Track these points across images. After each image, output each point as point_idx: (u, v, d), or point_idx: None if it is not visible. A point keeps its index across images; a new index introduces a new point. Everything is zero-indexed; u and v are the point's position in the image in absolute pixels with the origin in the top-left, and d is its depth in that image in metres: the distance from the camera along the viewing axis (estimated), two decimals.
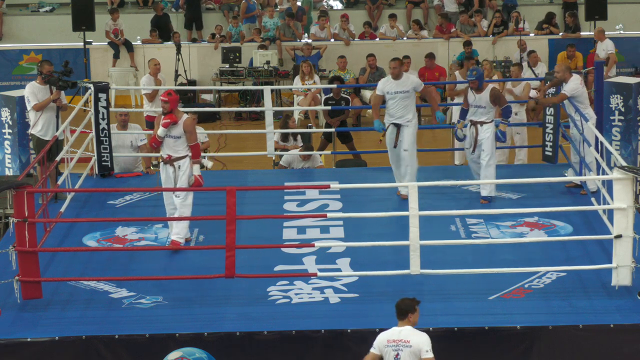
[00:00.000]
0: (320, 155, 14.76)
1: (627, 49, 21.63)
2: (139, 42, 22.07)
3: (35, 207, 9.79)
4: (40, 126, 12.29)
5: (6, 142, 14.02)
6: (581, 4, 21.92)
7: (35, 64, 20.72)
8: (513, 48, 20.91)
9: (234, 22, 22.23)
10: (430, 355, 7.85)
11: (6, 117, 13.94)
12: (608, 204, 10.34)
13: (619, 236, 9.54)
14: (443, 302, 9.46)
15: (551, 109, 13.11)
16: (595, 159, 11.61)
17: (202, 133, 15.05)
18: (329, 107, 15.86)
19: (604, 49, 19.93)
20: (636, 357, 8.94)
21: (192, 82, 21.03)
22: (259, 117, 19.59)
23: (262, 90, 17.69)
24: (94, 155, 13.48)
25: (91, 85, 13.45)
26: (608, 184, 10.56)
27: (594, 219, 11.13)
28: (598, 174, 11.65)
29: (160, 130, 10.84)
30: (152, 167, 14.09)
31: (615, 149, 13.41)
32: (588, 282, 9.80)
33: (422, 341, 7.90)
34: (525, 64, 18.72)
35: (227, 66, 20.87)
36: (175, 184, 10.90)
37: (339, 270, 10.25)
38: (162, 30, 22.19)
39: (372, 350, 8.10)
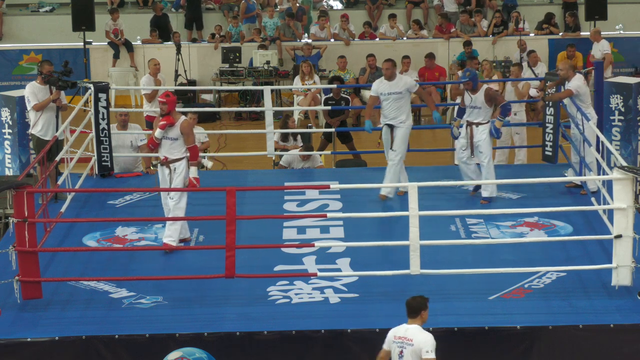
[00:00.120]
0: (320, 155, 14.76)
1: (627, 49, 21.63)
2: (139, 42, 22.06)
3: (35, 207, 9.79)
4: (40, 126, 12.30)
5: (6, 142, 14.02)
6: (581, 4, 21.92)
7: (35, 64, 20.74)
8: (513, 48, 20.91)
9: (233, 22, 22.22)
10: (431, 356, 7.83)
11: (6, 117, 13.95)
12: (608, 204, 10.34)
13: (619, 236, 9.54)
14: (443, 302, 9.46)
15: (551, 109, 13.11)
16: (596, 158, 11.62)
17: (202, 133, 15.07)
18: (329, 107, 15.86)
19: (600, 49, 19.91)
20: (636, 357, 8.94)
21: (192, 82, 21.03)
22: (259, 117, 19.59)
23: (262, 90, 17.69)
24: (94, 155, 13.48)
25: (91, 85, 13.45)
26: (608, 184, 10.56)
27: (594, 219, 11.13)
28: (598, 174, 11.65)
29: (158, 132, 10.83)
30: (152, 167, 14.08)
31: (615, 149, 13.40)
32: (588, 282, 9.80)
33: (424, 341, 7.89)
34: (525, 64, 18.71)
35: (227, 66, 20.86)
36: (171, 186, 10.88)
37: (339, 270, 10.25)
38: (162, 30, 22.19)
39: (383, 346, 8.13)
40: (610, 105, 14.09)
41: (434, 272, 9.67)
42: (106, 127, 13.43)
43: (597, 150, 11.84)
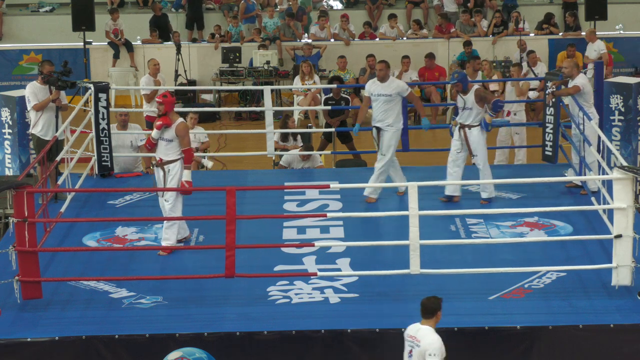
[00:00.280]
0: (320, 155, 14.76)
1: (627, 49, 21.64)
2: (139, 42, 22.06)
3: (35, 207, 9.79)
4: (40, 126, 12.31)
5: (6, 142, 14.02)
6: (581, 4, 21.91)
7: (35, 64, 20.74)
8: (513, 48, 20.91)
9: (233, 22, 22.22)
10: (434, 359, 7.84)
11: (6, 117, 13.95)
12: (608, 204, 10.34)
13: (619, 236, 9.54)
14: (443, 302, 9.42)
15: (551, 109, 13.11)
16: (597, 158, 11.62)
17: (202, 133, 15.07)
18: (329, 107, 15.86)
19: (595, 49, 19.90)
20: (636, 357, 8.95)
21: (192, 82, 21.03)
22: (259, 117, 19.59)
23: (262, 90, 17.69)
24: (94, 155, 13.48)
25: (91, 85, 13.46)
26: (608, 184, 10.57)
27: (594, 219, 11.13)
28: (599, 174, 11.65)
29: (154, 132, 10.83)
30: (152, 167, 14.07)
31: (615, 149, 13.40)
32: (588, 282, 9.80)
33: (429, 343, 7.88)
34: (525, 64, 18.70)
35: (227, 66, 20.86)
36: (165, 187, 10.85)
37: (339, 270, 10.25)
38: (162, 30, 22.18)
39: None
40: (610, 105, 14.09)
41: (434, 272, 9.67)
42: (106, 127, 13.43)
43: (598, 150, 11.83)
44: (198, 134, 14.98)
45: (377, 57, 19.77)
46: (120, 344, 8.91)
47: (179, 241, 10.90)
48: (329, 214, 11.19)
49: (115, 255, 10.76)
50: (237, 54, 21.00)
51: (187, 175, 10.69)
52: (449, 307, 9.28)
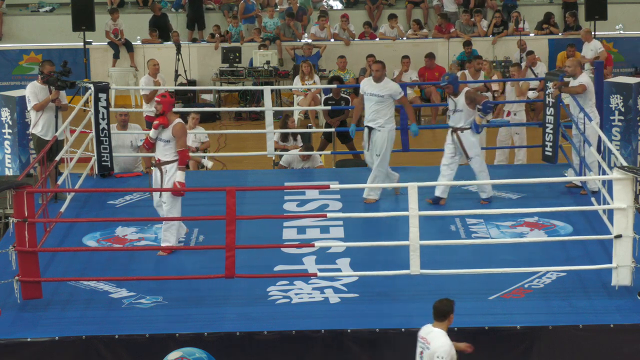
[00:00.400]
0: (320, 155, 14.77)
1: (627, 49, 21.64)
2: (139, 42, 22.06)
3: (35, 207, 9.79)
4: (41, 126, 12.32)
5: (6, 142, 14.02)
6: (581, 4, 21.91)
7: (35, 64, 20.75)
8: (513, 48, 20.91)
9: (234, 22, 22.22)
10: None
11: (6, 117, 13.94)
12: (608, 204, 10.34)
13: (619, 236, 9.54)
14: None
15: (551, 109, 13.11)
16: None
17: (202, 133, 15.07)
18: (329, 107, 15.86)
19: (592, 49, 19.88)
20: (636, 357, 8.95)
21: (192, 82, 21.03)
22: (259, 117, 19.59)
23: (262, 90, 17.69)
24: (94, 155, 13.48)
25: (91, 85, 13.46)
26: (608, 184, 10.57)
27: (594, 219, 11.13)
28: (599, 174, 11.65)
29: (152, 132, 10.82)
30: (152, 167, 14.08)
31: (615, 149, 13.40)
32: (588, 282, 9.80)
33: (438, 347, 7.85)
34: (524, 64, 18.70)
35: (227, 66, 20.86)
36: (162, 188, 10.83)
37: (339, 270, 10.25)
38: (162, 30, 22.18)
39: None
40: (610, 105, 14.08)
41: (434, 272, 9.67)
42: (106, 127, 13.44)
43: (598, 150, 11.83)
44: (198, 134, 14.99)
45: (377, 57, 19.80)
46: (120, 344, 8.91)
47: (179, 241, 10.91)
48: (329, 214, 11.18)
49: (115, 255, 10.76)
50: (237, 54, 21.00)
51: (180, 177, 10.63)
52: None
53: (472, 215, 11.47)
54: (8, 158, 14.01)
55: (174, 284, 9.90)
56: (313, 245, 10.52)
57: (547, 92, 13.18)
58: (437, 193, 12.15)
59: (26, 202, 9.33)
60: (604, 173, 11.02)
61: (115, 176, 13.71)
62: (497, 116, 15.65)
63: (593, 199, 11.67)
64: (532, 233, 11.21)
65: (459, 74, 16.70)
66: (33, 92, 12.28)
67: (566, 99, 13.21)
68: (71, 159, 12.60)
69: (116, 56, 21.79)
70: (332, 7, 23.90)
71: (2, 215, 12.43)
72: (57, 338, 8.90)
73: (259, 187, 13.15)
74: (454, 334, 8.87)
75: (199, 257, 10.64)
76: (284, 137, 15.36)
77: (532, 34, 21.77)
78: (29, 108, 12.45)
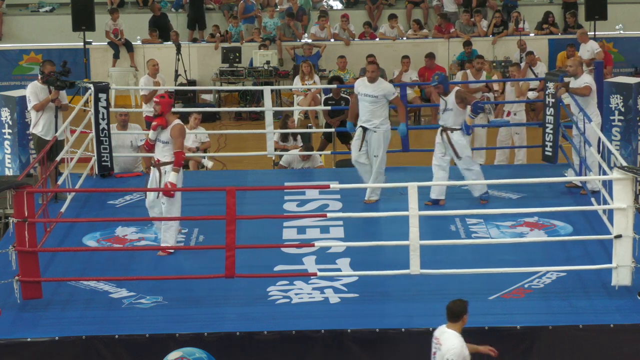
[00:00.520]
0: (320, 155, 14.76)
1: (627, 49, 21.63)
2: (139, 42, 22.06)
3: (35, 207, 9.79)
4: (41, 126, 12.33)
5: (6, 142, 14.01)
6: (581, 4, 21.91)
7: (35, 64, 20.76)
8: (513, 48, 20.91)
9: (234, 22, 22.22)
10: None
11: (6, 117, 13.94)
12: (608, 204, 10.34)
13: (619, 236, 9.54)
14: (443, 302, 9.40)
15: (551, 109, 13.11)
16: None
17: (203, 133, 15.08)
18: (329, 107, 15.86)
19: (588, 49, 19.87)
20: (636, 357, 8.94)
21: (192, 82, 21.02)
22: (259, 117, 19.59)
23: (262, 90, 17.68)
24: (94, 155, 13.48)
25: (91, 85, 13.46)
26: (608, 184, 10.56)
27: (594, 219, 11.12)
28: (599, 174, 11.64)
29: (151, 133, 10.81)
30: (151, 168, 14.07)
31: (615, 149, 13.40)
32: (588, 282, 9.80)
33: (449, 349, 7.84)
34: (524, 65, 18.70)
35: (227, 66, 20.86)
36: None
37: (339, 270, 10.25)
38: (162, 30, 22.18)
39: None
40: (610, 105, 14.08)
41: (434, 272, 9.67)
42: (106, 127, 13.44)
43: (599, 150, 11.83)
44: (199, 134, 14.99)
45: (377, 57, 19.81)
46: (120, 344, 8.90)
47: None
48: (329, 214, 11.18)
49: (115, 255, 10.76)
50: (237, 54, 21.00)
51: (172, 177, 10.60)
52: None
53: (472, 215, 11.47)
54: (8, 158, 14.01)
55: (174, 284, 9.90)
56: (313, 245, 10.52)
57: (547, 92, 13.18)
58: (433, 196, 12.12)
59: (26, 202, 9.33)
60: (604, 173, 11.01)
61: (115, 176, 13.71)
62: (497, 116, 15.65)
63: (593, 199, 11.67)
64: (532, 233, 11.21)
65: (459, 74, 16.70)
66: (33, 92, 12.29)
67: (566, 99, 13.20)
68: (71, 159, 12.60)
69: (116, 56, 21.79)
70: (332, 7, 23.90)
71: (2, 215, 12.43)
72: (57, 338, 8.90)
73: (259, 187, 13.15)
74: None
75: (199, 257, 10.64)
76: (284, 137, 15.36)
77: (532, 34, 21.77)
78: (29, 108, 12.46)
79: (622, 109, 14.06)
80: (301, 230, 11.42)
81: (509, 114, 15.33)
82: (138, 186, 13.23)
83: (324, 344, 8.98)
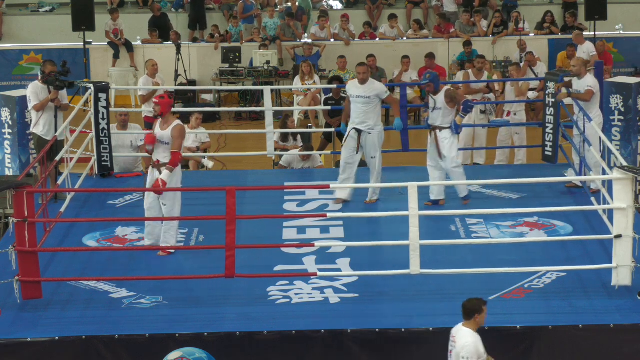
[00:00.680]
0: (320, 155, 14.76)
1: (627, 49, 21.63)
2: (139, 42, 22.06)
3: (35, 207, 9.79)
4: (42, 126, 12.34)
5: (6, 142, 14.01)
6: (581, 4, 21.91)
7: (35, 64, 20.76)
8: (513, 48, 20.91)
9: (234, 22, 22.22)
10: None
11: (6, 117, 13.94)
12: (608, 204, 10.34)
13: (619, 236, 9.54)
14: (443, 302, 9.46)
15: (551, 109, 13.11)
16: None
17: (203, 133, 15.08)
18: (329, 107, 15.85)
19: (584, 51, 19.85)
20: (636, 357, 8.94)
21: (192, 82, 21.02)
22: (259, 117, 19.59)
23: (262, 90, 17.69)
24: (94, 155, 13.49)
25: (91, 85, 13.46)
26: (608, 184, 10.56)
27: (594, 219, 11.12)
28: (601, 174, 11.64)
29: (148, 147, 10.80)
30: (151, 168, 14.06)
31: (615, 149, 13.40)
32: (588, 282, 9.80)
33: (463, 346, 7.87)
34: (523, 64, 18.70)
35: (227, 66, 20.86)
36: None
37: (339, 270, 10.25)
38: (162, 30, 22.18)
39: None
40: (610, 105, 14.07)
41: (434, 272, 9.67)
42: (106, 127, 13.44)
43: (601, 151, 11.83)
44: (200, 134, 14.99)
45: (377, 57, 19.84)
46: (120, 344, 8.90)
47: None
48: (329, 214, 11.19)
49: (115, 255, 10.76)
50: (237, 54, 20.99)
51: (165, 175, 10.56)
52: (449, 307, 9.30)
53: (472, 215, 11.47)
54: (8, 158, 14.01)
55: (174, 284, 9.90)
56: (313, 245, 10.52)
57: (547, 92, 13.17)
58: (433, 196, 12.13)
59: (26, 202, 9.33)
60: (604, 173, 11.01)
61: (115, 176, 13.72)
62: (497, 116, 15.65)
63: (593, 199, 11.67)
64: (532, 233, 11.21)
65: (460, 73, 16.69)
66: (34, 92, 12.31)
67: (567, 99, 13.19)
68: (71, 159, 12.60)
69: (116, 56, 21.79)
70: (332, 7, 23.90)
71: (2, 215, 12.43)
72: (57, 338, 8.90)
73: (259, 187, 13.15)
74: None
75: (199, 257, 10.64)
76: (284, 137, 15.36)
77: (532, 34, 21.77)
78: (29, 108, 12.47)
79: (622, 109, 14.06)
80: (301, 230, 11.42)
81: (509, 114, 15.33)
82: (138, 186, 13.23)
83: (324, 344, 8.98)
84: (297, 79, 18.98)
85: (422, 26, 22.33)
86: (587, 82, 12.25)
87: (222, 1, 23.29)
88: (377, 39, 21.94)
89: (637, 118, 14.11)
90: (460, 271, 9.82)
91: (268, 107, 14.32)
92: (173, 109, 11.36)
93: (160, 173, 10.76)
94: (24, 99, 12.87)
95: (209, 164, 14.70)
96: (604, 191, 10.82)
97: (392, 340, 8.94)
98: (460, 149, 15.08)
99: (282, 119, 15.55)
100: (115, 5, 22.94)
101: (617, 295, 9.51)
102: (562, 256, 10.38)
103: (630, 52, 21.60)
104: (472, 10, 22.40)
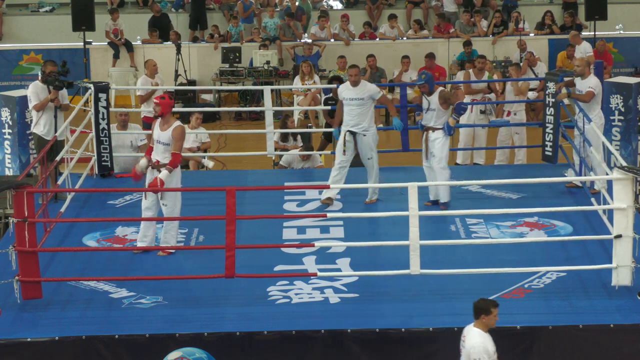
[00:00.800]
0: (320, 155, 14.76)
1: (627, 49, 21.63)
2: (139, 42, 22.06)
3: (35, 207, 9.79)
4: (42, 125, 12.35)
5: (6, 142, 14.01)
6: (581, 4, 21.91)
7: (35, 64, 20.76)
8: (513, 48, 20.91)
9: (234, 22, 22.22)
10: None
11: (6, 117, 13.94)
12: (608, 204, 10.34)
13: (619, 236, 9.54)
14: (443, 302, 9.46)
15: (551, 109, 13.10)
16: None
17: (204, 133, 15.08)
18: (328, 107, 15.84)
19: (581, 52, 19.84)
20: (636, 357, 8.95)
21: (192, 82, 21.02)
22: (259, 117, 19.58)
23: (262, 90, 17.68)
24: (94, 155, 13.48)
25: (91, 85, 13.46)
26: (608, 184, 10.56)
27: (594, 219, 11.12)
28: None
29: (142, 161, 10.79)
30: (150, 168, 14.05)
31: (615, 149, 13.40)
32: (588, 282, 9.80)
33: (472, 347, 7.93)
34: (523, 64, 18.70)
35: (227, 66, 20.86)
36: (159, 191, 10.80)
37: (339, 270, 10.25)
38: (162, 30, 22.18)
39: None
40: (610, 105, 14.08)
41: (434, 272, 9.67)
42: (106, 127, 13.44)
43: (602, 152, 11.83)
44: (200, 134, 14.98)
45: (377, 57, 19.85)
46: (120, 344, 8.91)
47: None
48: (329, 214, 11.20)
49: (115, 255, 10.76)
50: (237, 54, 20.99)
51: (163, 175, 10.56)
52: (449, 307, 9.32)
53: (472, 215, 11.47)
54: (8, 158, 14.01)
55: (174, 284, 9.90)
56: (313, 245, 10.53)
57: (547, 92, 13.17)
58: (432, 197, 12.12)
59: (26, 202, 9.33)
60: (605, 173, 11.00)
61: (115, 176, 13.71)
62: (497, 116, 15.65)
63: (593, 199, 11.68)
64: (532, 233, 11.21)
65: (460, 73, 16.69)
66: (34, 92, 12.32)
67: (567, 98, 13.20)
68: (71, 159, 12.60)
69: (116, 56, 21.79)
70: (332, 7, 23.89)
71: (2, 215, 12.43)
72: (57, 338, 8.90)
73: (259, 187, 13.15)
74: (455, 334, 8.88)
75: (199, 257, 10.64)
76: (284, 137, 15.36)
77: (532, 34, 21.77)
78: (30, 107, 12.48)
79: (622, 109, 14.06)
80: (301, 230, 11.42)
81: (509, 113, 15.33)
82: (138, 186, 13.22)
83: (324, 344, 8.98)
84: (297, 79, 18.97)
85: (422, 26, 22.32)
86: (590, 83, 12.23)
87: (222, 1, 23.29)
88: (377, 39, 21.93)
89: (637, 118, 14.11)
90: (460, 271, 9.82)
91: (268, 107, 14.32)
92: (173, 109, 11.34)
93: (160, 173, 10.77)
94: (24, 99, 12.87)
95: (209, 164, 14.70)
96: (604, 191, 10.82)
97: (392, 340, 8.94)
98: (460, 149, 15.21)
99: (282, 119, 15.55)
100: (115, 5, 22.94)
101: (617, 295, 9.51)
102: (562, 256, 10.38)
103: (630, 52, 21.60)
104: (472, 10, 22.40)
